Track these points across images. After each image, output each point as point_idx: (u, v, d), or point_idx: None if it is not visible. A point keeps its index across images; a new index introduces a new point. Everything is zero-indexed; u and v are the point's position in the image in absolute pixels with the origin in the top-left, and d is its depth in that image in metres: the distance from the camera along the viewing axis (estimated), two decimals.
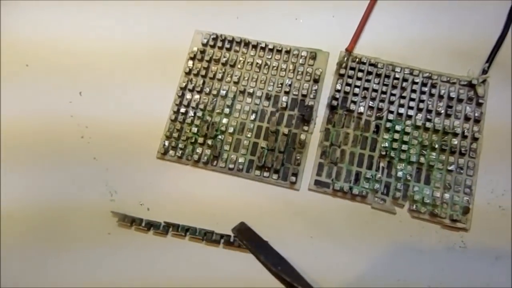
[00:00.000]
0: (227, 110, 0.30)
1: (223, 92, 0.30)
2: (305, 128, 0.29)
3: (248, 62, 0.31)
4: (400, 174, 0.28)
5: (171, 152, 0.29)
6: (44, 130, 0.31)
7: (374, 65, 0.30)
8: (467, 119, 0.29)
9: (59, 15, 0.33)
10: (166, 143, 0.29)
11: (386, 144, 0.28)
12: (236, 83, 0.30)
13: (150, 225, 0.28)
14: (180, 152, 0.29)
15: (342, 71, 0.30)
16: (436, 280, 0.26)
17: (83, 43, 0.32)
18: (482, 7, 0.31)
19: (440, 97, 0.29)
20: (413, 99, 0.29)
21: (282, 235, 0.28)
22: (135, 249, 0.28)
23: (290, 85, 0.30)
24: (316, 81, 0.30)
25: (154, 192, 0.29)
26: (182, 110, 0.30)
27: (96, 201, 0.29)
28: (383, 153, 0.28)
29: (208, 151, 0.29)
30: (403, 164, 0.28)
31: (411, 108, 0.29)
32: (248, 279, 0.27)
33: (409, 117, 0.29)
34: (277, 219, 0.28)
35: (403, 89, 0.29)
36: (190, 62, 0.31)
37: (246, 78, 0.30)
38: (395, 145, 0.28)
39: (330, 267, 0.27)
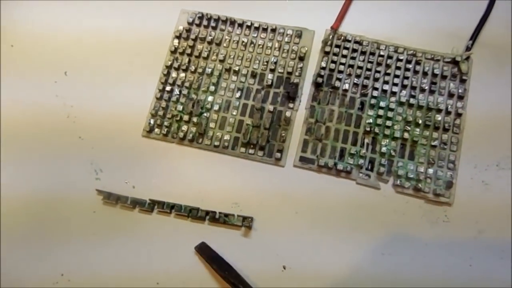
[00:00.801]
0: (212, 88, 0.30)
1: (208, 70, 0.30)
2: (290, 105, 0.29)
3: (233, 41, 0.31)
4: (384, 149, 0.28)
5: (157, 130, 0.29)
6: (29, 110, 0.30)
7: (359, 42, 0.30)
8: (450, 95, 0.29)
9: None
10: (152, 121, 0.29)
11: (371, 121, 0.28)
12: (221, 61, 0.30)
13: (136, 203, 0.28)
14: (166, 130, 0.29)
15: (328, 49, 0.30)
16: (420, 254, 0.27)
17: (70, 22, 0.32)
18: None
19: (424, 74, 0.29)
20: (397, 76, 0.29)
21: (267, 211, 0.28)
22: (120, 226, 0.28)
23: (275, 63, 0.30)
24: (301, 59, 0.30)
25: (140, 170, 0.29)
26: (168, 88, 0.30)
27: (81, 179, 0.29)
28: (368, 129, 0.28)
29: (193, 129, 0.29)
30: (388, 140, 0.28)
31: (396, 85, 0.29)
32: (234, 255, 0.27)
33: (394, 93, 0.29)
34: (263, 196, 0.28)
35: (388, 66, 0.29)
36: (176, 41, 0.31)
37: (231, 56, 0.30)
38: (379, 121, 0.28)
39: (314, 242, 0.27)
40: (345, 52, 0.30)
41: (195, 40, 0.31)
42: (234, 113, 0.29)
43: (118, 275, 0.27)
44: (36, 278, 0.27)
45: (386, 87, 0.29)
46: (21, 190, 0.29)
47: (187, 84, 0.30)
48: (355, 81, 0.29)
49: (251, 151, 0.29)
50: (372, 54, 0.30)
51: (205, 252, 0.27)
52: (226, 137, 0.29)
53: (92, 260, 0.28)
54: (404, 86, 0.29)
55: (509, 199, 0.27)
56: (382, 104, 0.29)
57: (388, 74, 0.29)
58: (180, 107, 0.29)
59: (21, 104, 0.31)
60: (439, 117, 0.28)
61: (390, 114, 0.28)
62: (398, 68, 0.29)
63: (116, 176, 0.29)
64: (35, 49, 0.32)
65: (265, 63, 0.30)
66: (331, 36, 0.30)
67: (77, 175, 0.29)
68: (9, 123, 0.30)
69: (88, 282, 0.27)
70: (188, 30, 0.31)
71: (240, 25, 0.31)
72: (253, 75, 0.30)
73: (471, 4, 0.30)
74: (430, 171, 0.27)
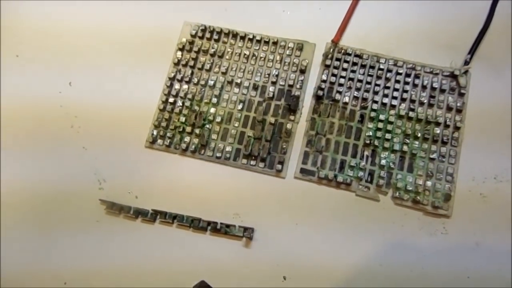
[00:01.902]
0: (214, 100, 0.30)
1: (211, 82, 0.30)
2: (291, 117, 0.30)
3: (236, 53, 0.31)
4: (383, 162, 0.28)
5: (160, 141, 0.30)
6: (34, 120, 0.31)
7: (359, 56, 0.30)
8: (449, 108, 0.29)
9: (48, 5, 0.33)
10: (155, 132, 0.30)
11: (370, 133, 0.29)
12: (224, 73, 0.31)
13: (138, 213, 0.29)
14: (168, 141, 0.30)
15: (328, 62, 0.30)
16: (418, 266, 0.27)
17: (72, 34, 0.33)
18: None
19: (423, 87, 0.30)
20: (397, 89, 0.30)
21: (268, 222, 0.28)
22: (123, 236, 0.28)
23: (277, 76, 0.30)
24: (302, 71, 0.30)
25: (142, 180, 0.29)
26: (171, 100, 0.30)
27: (85, 189, 0.29)
28: (367, 141, 0.29)
29: (196, 140, 0.30)
30: (387, 153, 0.29)
31: (395, 98, 0.29)
32: (235, 265, 0.27)
33: (393, 106, 0.29)
34: (263, 207, 0.28)
35: (387, 79, 0.30)
36: (179, 53, 0.31)
37: (233, 69, 0.31)
38: (379, 134, 0.29)
39: (314, 253, 0.27)
40: (345, 65, 0.30)
41: (198, 52, 0.31)
42: (236, 125, 0.30)
43: (121, 283, 0.28)
44: (39, 286, 0.28)
45: (385, 100, 0.29)
46: (25, 199, 0.29)
47: (189, 95, 0.30)
48: (355, 94, 0.30)
49: (252, 162, 0.29)
50: (372, 67, 0.30)
51: None
52: (228, 148, 0.29)
53: (96, 268, 0.28)
54: (403, 99, 0.29)
55: (507, 211, 0.28)
56: (381, 117, 0.29)
57: (388, 87, 0.30)
58: (182, 119, 0.30)
59: (26, 115, 0.31)
60: (437, 130, 0.29)
61: (389, 127, 0.29)
62: (397, 81, 0.30)
63: (119, 186, 0.29)
64: (40, 59, 0.32)
65: (267, 76, 0.30)
66: (331, 50, 0.30)
67: (81, 184, 0.29)
68: (12, 132, 0.31)
69: None
70: (191, 43, 0.31)
71: (242, 38, 0.31)
72: (255, 88, 0.30)
73: (469, 18, 0.31)
74: (429, 183, 0.28)
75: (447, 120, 0.29)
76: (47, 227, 0.29)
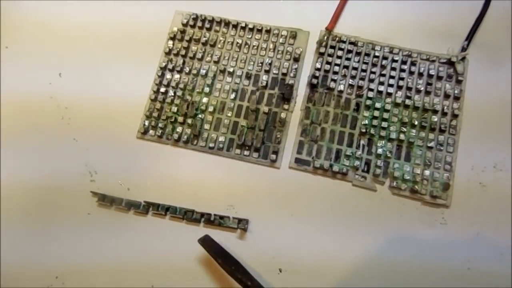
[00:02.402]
0: (207, 89, 0.30)
1: (203, 72, 0.30)
2: (286, 106, 0.29)
3: (228, 42, 0.30)
4: (380, 151, 0.28)
5: (151, 132, 0.29)
6: (23, 111, 0.30)
7: (354, 43, 0.30)
8: (446, 96, 0.29)
9: None
10: (146, 122, 0.29)
11: (366, 122, 0.28)
12: (216, 62, 0.30)
13: (130, 205, 0.28)
14: (160, 131, 0.29)
15: (322, 50, 0.30)
16: (417, 257, 0.26)
17: (63, 25, 0.32)
18: None
19: (420, 74, 0.29)
20: (393, 77, 0.29)
21: (263, 213, 0.28)
22: (115, 229, 0.28)
23: (270, 64, 0.30)
24: (296, 60, 0.30)
25: (134, 172, 0.29)
26: (162, 89, 0.30)
27: (76, 181, 0.29)
28: (363, 130, 0.28)
29: (188, 130, 0.29)
30: (383, 141, 0.28)
31: (391, 85, 0.29)
32: None
33: (389, 94, 0.29)
34: (258, 198, 0.28)
35: (383, 67, 0.29)
36: (170, 42, 0.31)
37: (226, 58, 0.30)
38: (375, 122, 0.28)
39: (310, 245, 0.27)
40: (340, 53, 0.30)
41: (189, 41, 0.31)
42: (229, 115, 0.29)
43: (114, 276, 0.27)
44: (30, 282, 0.27)
45: (381, 88, 0.29)
46: (15, 191, 0.29)
47: (181, 85, 0.30)
48: (350, 82, 0.29)
49: (246, 152, 0.28)
50: (367, 55, 0.29)
51: (209, 245, 0.26)
52: (221, 138, 0.29)
53: (87, 262, 0.27)
54: (399, 87, 0.29)
55: (507, 200, 0.27)
56: (377, 105, 0.28)
57: (384, 75, 0.29)
58: (174, 109, 0.29)
59: (16, 106, 0.30)
60: (435, 118, 0.28)
61: (385, 115, 0.28)
62: (393, 69, 0.29)
63: (111, 178, 0.29)
64: (29, 50, 0.32)
65: (260, 64, 0.30)
66: (325, 37, 0.30)
67: (72, 177, 0.29)
68: (3, 124, 0.30)
69: (84, 283, 0.27)
70: (183, 31, 0.31)
71: (235, 26, 0.31)
72: (248, 76, 0.30)
73: (466, 4, 0.30)
74: (427, 172, 0.27)
75: (445, 108, 0.28)
76: (38, 220, 0.28)
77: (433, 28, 0.30)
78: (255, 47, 0.30)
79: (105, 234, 0.28)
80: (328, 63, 0.30)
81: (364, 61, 0.29)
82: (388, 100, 0.29)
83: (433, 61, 0.29)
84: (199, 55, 0.30)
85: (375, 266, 0.26)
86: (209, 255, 0.26)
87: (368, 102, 0.29)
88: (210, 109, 0.29)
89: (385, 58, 0.29)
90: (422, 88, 0.29)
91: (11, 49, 0.32)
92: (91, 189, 0.28)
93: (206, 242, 0.26)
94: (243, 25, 0.30)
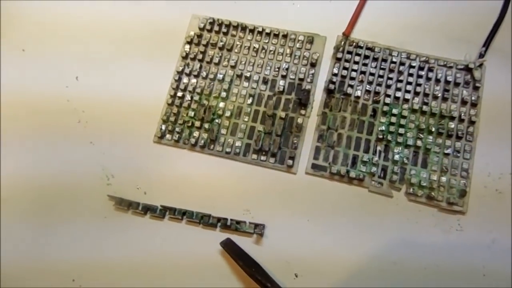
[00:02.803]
0: (224, 94, 0.30)
1: (220, 76, 0.30)
2: (302, 112, 0.29)
3: (245, 46, 0.30)
4: (397, 157, 0.28)
5: (168, 136, 0.29)
6: (41, 115, 0.31)
7: (371, 49, 0.30)
8: (464, 102, 0.28)
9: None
10: (163, 127, 0.29)
11: (383, 128, 0.28)
12: (233, 67, 0.30)
13: (147, 209, 0.28)
14: (177, 136, 0.29)
15: (339, 55, 0.30)
16: (433, 263, 0.26)
17: (80, 29, 0.32)
18: None
19: (437, 81, 0.29)
20: (410, 83, 0.29)
21: (279, 219, 0.28)
22: (131, 232, 0.28)
23: (287, 69, 0.30)
24: (313, 65, 0.30)
25: (151, 176, 0.29)
26: (179, 94, 0.30)
27: (93, 185, 0.29)
28: (380, 136, 0.28)
29: (205, 135, 0.29)
30: (400, 148, 0.28)
31: (408, 92, 0.29)
32: None
33: (406, 100, 0.29)
34: (274, 203, 0.28)
35: (400, 73, 0.29)
36: (187, 46, 0.31)
37: (243, 62, 0.30)
38: (392, 128, 0.28)
39: (326, 250, 0.27)
40: (357, 58, 0.30)
41: (206, 45, 0.31)
42: (246, 120, 0.29)
43: (130, 280, 0.27)
44: (48, 284, 0.28)
45: (398, 94, 0.29)
46: (31, 195, 0.29)
47: (198, 90, 0.30)
48: (367, 88, 0.29)
49: (262, 157, 0.28)
50: (384, 60, 0.29)
51: (230, 247, 0.26)
52: (238, 143, 0.29)
53: (104, 265, 0.27)
54: (416, 93, 0.29)
55: None
56: (394, 111, 0.28)
57: (401, 81, 0.29)
58: (191, 113, 0.29)
59: (33, 110, 0.31)
60: (452, 125, 0.28)
61: (402, 121, 0.28)
62: (410, 75, 0.29)
63: (128, 182, 0.29)
64: (47, 53, 0.32)
65: (277, 69, 0.30)
66: (342, 42, 0.30)
67: (89, 180, 0.29)
68: (19, 127, 0.30)
69: (100, 286, 0.27)
70: (200, 36, 0.31)
71: (252, 31, 0.31)
72: (265, 81, 0.30)
73: (484, 10, 0.30)
74: (443, 179, 0.27)
75: (462, 114, 0.28)
76: (55, 223, 0.28)
77: (450, 34, 0.30)
78: (272, 52, 0.30)
79: (122, 237, 0.28)
80: (345, 68, 0.30)
81: (381, 66, 0.29)
82: (405, 106, 0.29)
83: (451, 67, 0.29)
84: (216, 60, 0.30)
85: (390, 272, 0.26)
86: (230, 257, 0.26)
87: (385, 108, 0.29)
88: (227, 114, 0.29)
89: (402, 64, 0.29)
90: (439, 95, 0.29)
91: (28, 52, 0.32)
92: (108, 192, 0.29)
93: (228, 245, 0.26)
94: (260, 29, 0.30)
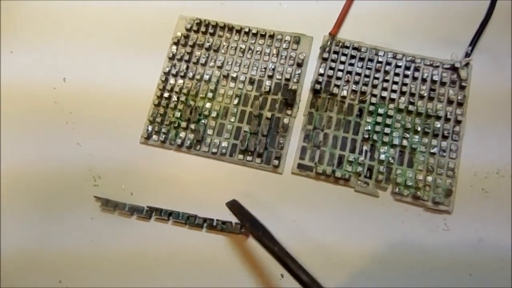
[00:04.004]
0: (210, 95, 0.30)
1: (206, 77, 0.30)
2: (288, 112, 0.29)
3: (231, 47, 0.30)
4: (383, 157, 0.28)
5: (155, 137, 0.29)
6: (28, 116, 0.31)
7: (357, 49, 0.30)
8: (450, 102, 0.28)
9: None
10: (150, 128, 0.29)
11: (369, 128, 0.28)
12: (219, 67, 0.30)
13: (133, 210, 0.28)
14: (164, 136, 0.29)
15: (326, 55, 0.30)
16: (419, 263, 0.26)
17: (66, 29, 0.32)
18: None
19: (423, 80, 0.29)
20: (396, 83, 0.29)
21: (265, 219, 0.27)
22: (118, 233, 0.28)
23: (273, 69, 0.30)
24: (299, 65, 0.30)
25: (138, 176, 0.29)
26: (166, 95, 0.30)
27: (80, 186, 0.29)
28: (366, 136, 0.28)
29: (191, 136, 0.29)
30: (386, 147, 0.28)
31: (394, 91, 0.29)
32: (232, 262, 0.27)
33: (392, 100, 0.29)
34: (260, 203, 0.28)
35: (386, 72, 0.29)
36: (174, 47, 0.31)
37: (229, 63, 0.30)
38: (378, 128, 0.28)
39: (312, 251, 0.27)
40: (343, 58, 0.30)
41: (193, 46, 0.31)
42: (232, 120, 0.29)
43: (116, 280, 0.27)
44: (34, 283, 0.28)
45: (384, 93, 0.29)
46: (17, 195, 0.29)
47: (185, 90, 0.30)
48: (353, 88, 0.29)
49: (249, 158, 0.28)
50: (371, 60, 0.29)
51: (237, 209, 0.26)
52: (224, 144, 0.29)
53: (91, 267, 0.28)
54: (402, 93, 0.29)
55: (509, 206, 0.27)
56: (380, 111, 0.28)
57: (387, 81, 0.29)
58: (178, 114, 0.29)
59: (19, 111, 0.31)
60: (438, 124, 0.28)
61: (388, 121, 0.28)
62: (396, 74, 0.29)
63: (114, 183, 0.29)
64: (34, 54, 0.32)
65: (263, 70, 0.30)
66: (329, 42, 0.30)
67: (75, 181, 0.29)
68: (6, 128, 0.30)
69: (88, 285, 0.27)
70: (186, 37, 0.31)
71: (238, 31, 0.31)
72: (251, 82, 0.30)
73: (470, 9, 0.30)
74: (429, 179, 0.27)
75: (448, 114, 0.28)
76: (41, 224, 0.28)
77: (437, 34, 0.30)
78: (259, 52, 0.30)
79: (108, 238, 0.28)
80: (331, 68, 0.30)
81: (368, 66, 0.29)
82: (391, 105, 0.29)
83: (437, 66, 0.29)
84: (202, 60, 0.30)
85: (376, 273, 0.26)
86: (237, 218, 0.26)
87: (371, 107, 0.29)
88: (213, 114, 0.29)
89: (388, 63, 0.29)
90: (425, 94, 0.29)
91: (15, 54, 0.32)
92: (95, 193, 0.29)
93: (234, 206, 0.26)
94: (247, 30, 0.30)
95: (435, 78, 0.29)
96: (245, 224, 0.25)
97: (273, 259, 0.26)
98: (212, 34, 0.31)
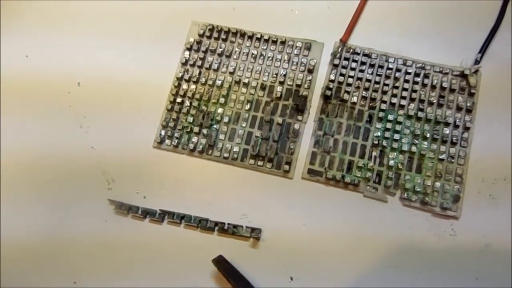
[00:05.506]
0: (222, 100, 0.30)
1: (218, 82, 0.30)
2: (299, 117, 0.30)
3: (243, 53, 0.31)
4: (392, 163, 0.28)
5: (167, 141, 0.30)
6: (42, 120, 0.31)
7: (367, 55, 0.30)
8: (459, 109, 0.29)
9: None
10: (163, 132, 0.30)
11: (379, 134, 0.29)
12: (231, 73, 0.31)
13: (146, 213, 0.29)
14: (176, 141, 0.30)
15: (336, 62, 0.30)
16: (426, 268, 0.27)
17: (80, 32, 0.33)
18: None
19: (433, 87, 0.29)
20: (406, 89, 0.29)
21: (275, 223, 0.28)
22: (131, 236, 0.29)
23: (284, 75, 0.30)
24: (310, 71, 0.30)
25: (151, 180, 0.30)
26: (178, 100, 0.30)
27: (93, 189, 0.30)
28: (376, 142, 0.29)
29: (203, 140, 0.30)
30: (395, 153, 0.28)
31: (404, 98, 0.29)
32: (242, 266, 0.27)
33: (402, 106, 0.29)
34: (271, 207, 0.28)
35: (396, 79, 0.30)
36: (187, 53, 0.31)
37: (241, 68, 0.31)
38: (387, 134, 0.29)
39: (321, 254, 0.27)
40: (353, 65, 0.30)
41: (205, 52, 0.31)
42: (244, 125, 0.30)
43: (129, 282, 0.28)
44: (48, 284, 0.28)
45: (394, 100, 0.29)
46: (30, 201, 0.30)
47: (197, 96, 0.30)
48: (363, 94, 0.29)
49: (260, 163, 0.29)
50: (381, 67, 0.30)
51: (222, 265, 0.27)
52: (236, 149, 0.29)
53: (104, 269, 0.28)
54: (412, 99, 0.29)
55: None
56: (390, 117, 0.29)
57: (397, 87, 0.29)
58: (190, 119, 0.30)
59: (35, 116, 0.31)
60: (447, 131, 0.28)
61: (398, 127, 0.29)
62: (406, 81, 0.29)
63: (128, 186, 0.30)
64: (49, 59, 0.32)
65: (275, 76, 0.30)
66: (340, 49, 0.30)
67: (89, 184, 0.30)
68: (18, 132, 0.31)
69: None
70: (199, 42, 0.31)
71: (250, 37, 0.31)
72: (263, 88, 0.30)
73: (480, 17, 0.30)
74: (437, 184, 0.28)
75: (457, 120, 0.28)
76: (56, 226, 0.29)
77: (447, 41, 0.30)
78: (270, 58, 0.31)
79: (121, 241, 0.29)
80: (342, 74, 0.30)
81: (378, 73, 0.30)
82: (401, 112, 0.29)
83: (446, 73, 0.29)
84: (215, 66, 0.31)
85: (384, 277, 0.27)
86: (222, 275, 0.27)
87: (381, 114, 0.29)
88: (225, 119, 0.30)
89: (398, 70, 0.30)
90: (434, 101, 0.29)
91: (31, 58, 0.32)
92: (109, 197, 0.29)
93: (220, 263, 0.27)
94: (258, 36, 0.31)
95: (445, 85, 0.29)
96: (230, 281, 0.26)
97: (285, 263, 0.27)
98: (225, 40, 0.31)
